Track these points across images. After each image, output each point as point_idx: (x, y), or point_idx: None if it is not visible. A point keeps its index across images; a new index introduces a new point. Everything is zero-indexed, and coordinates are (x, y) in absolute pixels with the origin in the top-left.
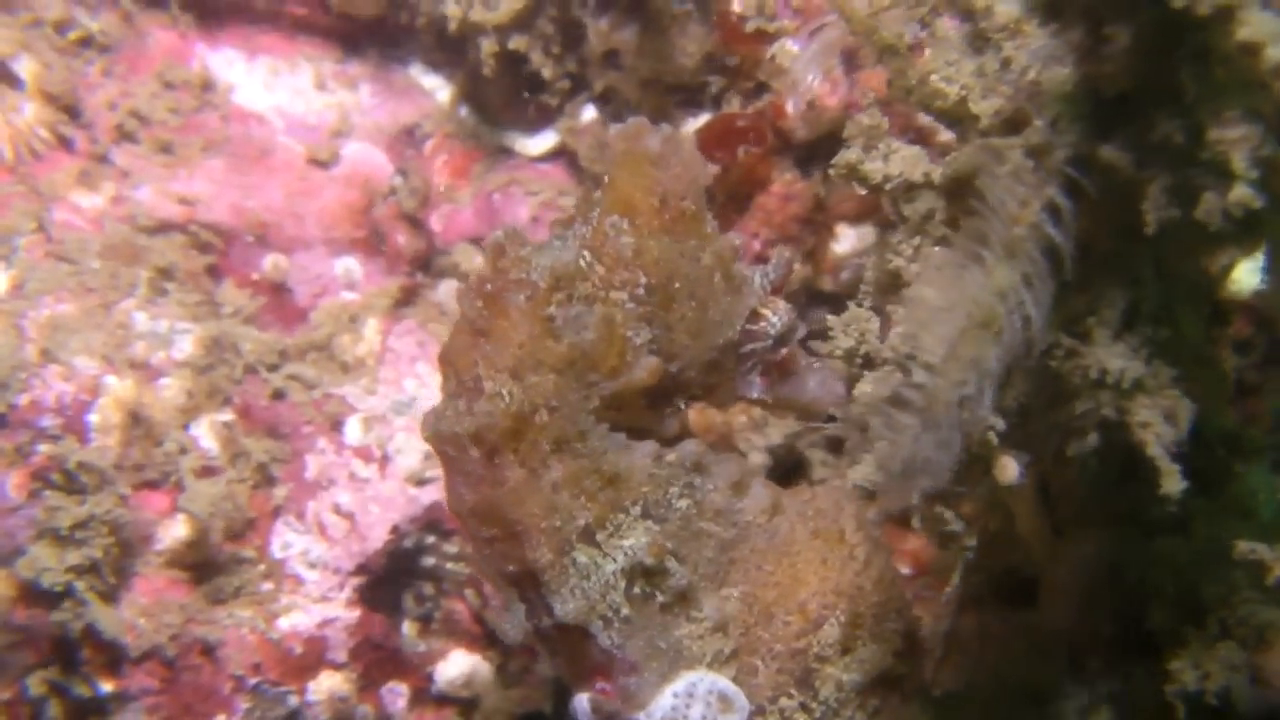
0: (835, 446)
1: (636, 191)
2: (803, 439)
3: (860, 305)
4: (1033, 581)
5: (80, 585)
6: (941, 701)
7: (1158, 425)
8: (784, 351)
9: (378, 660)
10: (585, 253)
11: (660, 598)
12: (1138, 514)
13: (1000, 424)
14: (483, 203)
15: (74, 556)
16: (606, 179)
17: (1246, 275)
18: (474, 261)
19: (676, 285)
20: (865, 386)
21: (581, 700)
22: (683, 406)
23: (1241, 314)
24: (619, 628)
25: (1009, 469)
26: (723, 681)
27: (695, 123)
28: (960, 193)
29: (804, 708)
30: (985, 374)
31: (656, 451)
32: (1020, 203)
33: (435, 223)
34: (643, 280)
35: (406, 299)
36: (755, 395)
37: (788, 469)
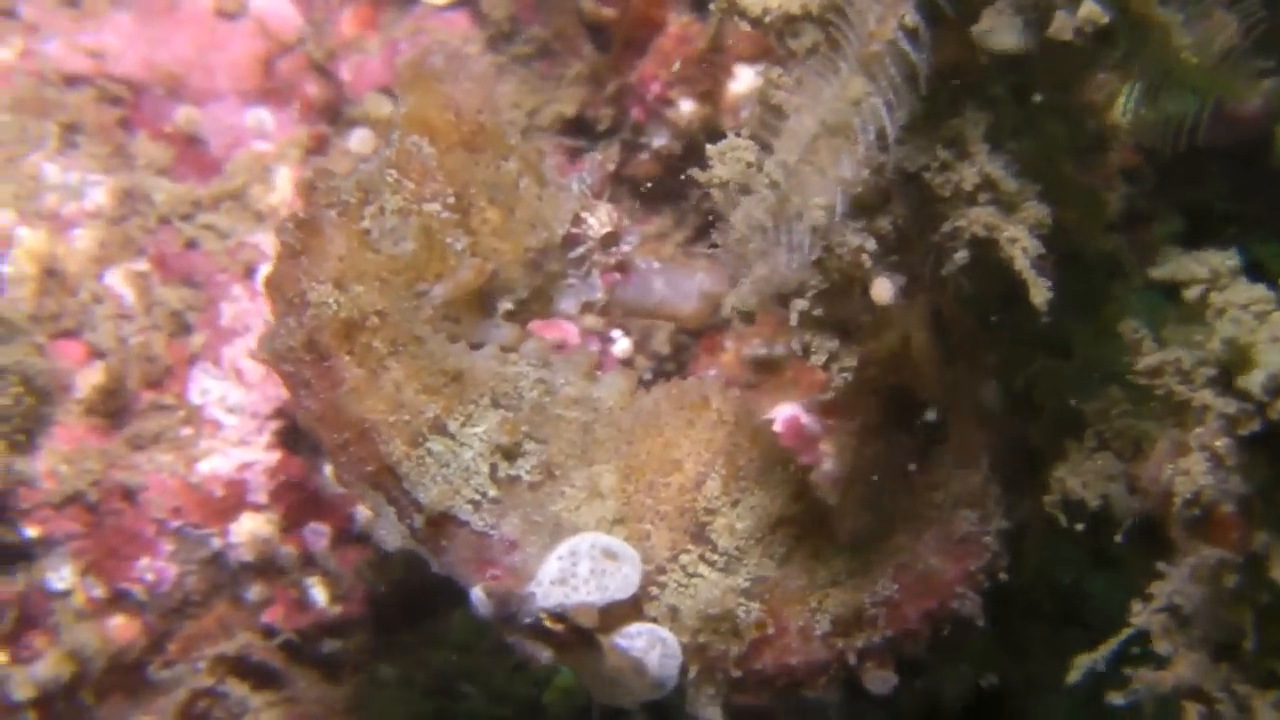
0: None
1: (430, 109)
2: None
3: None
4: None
5: None
6: (852, 546)
7: (1025, 240)
8: (615, 253)
9: (299, 502)
10: (391, 171)
11: (526, 477)
12: (1022, 337)
13: (872, 245)
14: (390, 52)
15: None
16: (398, 104)
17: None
18: (383, 110)
19: (472, 191)
20: (739, 213)
21: (475, 592)
22: (510, 307)
23: (1128, 144)
24: (489, 508)
25: (883, 290)
26: (604, 537)
27: None
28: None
29: (704, 559)
30: (839, 181)
31: (500, 354)
32: (877, 20)
33: (345, 72)
34: (450, 191)
35: (318, 148)
36: (596, 297)
37: None
